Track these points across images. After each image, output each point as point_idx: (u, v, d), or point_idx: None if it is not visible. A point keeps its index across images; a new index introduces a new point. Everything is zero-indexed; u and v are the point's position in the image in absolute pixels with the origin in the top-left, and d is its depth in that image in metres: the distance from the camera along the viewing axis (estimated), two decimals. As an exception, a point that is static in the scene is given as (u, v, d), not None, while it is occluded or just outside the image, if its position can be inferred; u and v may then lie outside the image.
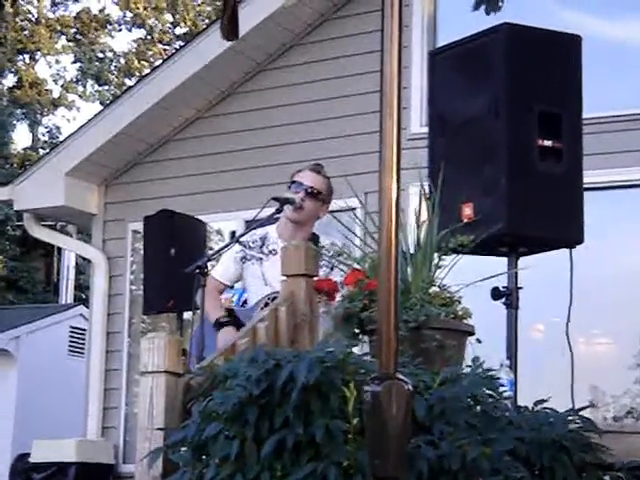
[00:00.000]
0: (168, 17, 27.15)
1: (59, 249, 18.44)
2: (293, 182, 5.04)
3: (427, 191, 4.49)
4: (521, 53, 4.70)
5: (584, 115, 4.77)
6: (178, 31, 27.24)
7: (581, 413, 3.83)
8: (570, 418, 3.72)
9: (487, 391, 3.67)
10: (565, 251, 4.73)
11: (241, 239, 5.08)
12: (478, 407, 3.59)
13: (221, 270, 5.15)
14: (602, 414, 7.59)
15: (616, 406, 7.82)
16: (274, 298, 4.60)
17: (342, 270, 4.43)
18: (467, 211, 4.56)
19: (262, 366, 3.33)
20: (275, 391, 3.28)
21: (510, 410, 3.80)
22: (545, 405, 3.80)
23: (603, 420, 7.19)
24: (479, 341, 4.10)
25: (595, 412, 7.33)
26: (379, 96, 2.26)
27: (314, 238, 4.99)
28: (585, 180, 4.75)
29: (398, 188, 2.17)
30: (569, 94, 4.75)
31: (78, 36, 26.68)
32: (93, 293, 9.44)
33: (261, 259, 5.02)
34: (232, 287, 5.24)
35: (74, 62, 27.13)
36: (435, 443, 3.27)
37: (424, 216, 4.24)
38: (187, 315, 7.62)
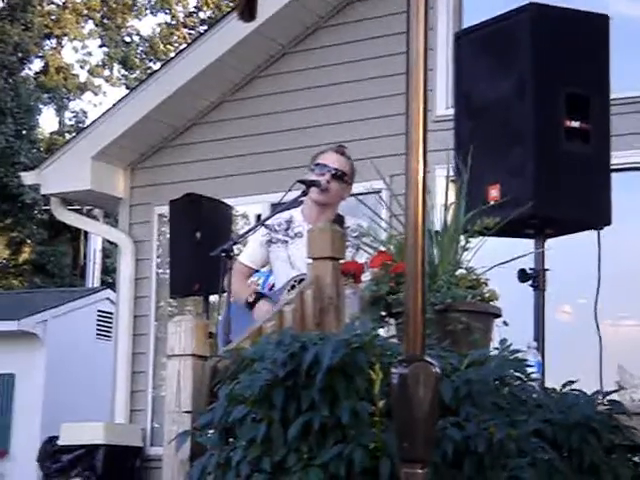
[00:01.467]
0: (192, 0, 27.15)
1: (86, 233, 18.54)
2: (317, 164, 5.02)
3: (454, 173, 4.47)
4: (548, 33, 4.67)
5: (612, 95, 4.73)
6: (202, 15, 27.25)
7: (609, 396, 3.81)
8: (598, 400, 3.70)
9: (514, 373, 3.66)
10: (592, 233, 4.70)
11: (266, 222, 5.08)
12: (505, 389, 3.58)
13: (248, 254, 5.15)
14: (630, 395, 7.56)
15: (644, 388, 7.79)
16: (301, 280, 4.59)
17: (367, 252, 4.41)
18: (494, 193, 4.54)
19: (288, 349, 3.33)
20: (301, 373, 3.28)
21: (538, 392, 3.78)
22: (573, 387, 3.79)
23: (631, 401, 7.15)
24: (506, 323, 4.08)
25: (622, 393, 7.29)
26: (404, 78, 2.24)
27: (339, 219, 4.98)
28: (613, 161, 4.72)
29: (424, 170, 2.16)
30: (596, 74, 4.71)
31: (105, 20, 26.73)
32: (120, 277, 9.48)
33: (287, 242, 5.01)
34: (258, 270, 5.24)
35: (100, 46, 27.21)
36: (461, 425, 3.26)
37: (450, 198, 4.22)
38: (213, 298, 7.65)
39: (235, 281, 4.84)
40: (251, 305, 4.91)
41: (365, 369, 3.27)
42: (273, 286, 5.20)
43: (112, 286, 12.75)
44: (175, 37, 27.08)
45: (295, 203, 5.05)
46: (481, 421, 3.29)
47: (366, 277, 4.32)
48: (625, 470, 3.54)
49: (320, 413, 3.23)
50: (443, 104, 7.97)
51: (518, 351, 3.72)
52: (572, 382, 3.79)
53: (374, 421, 3.24)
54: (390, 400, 3.14)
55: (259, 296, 4.93)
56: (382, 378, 3.22)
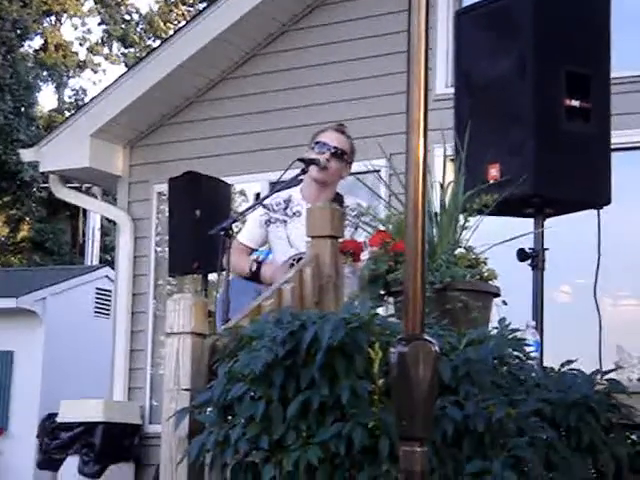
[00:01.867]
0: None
1: (84, 211, 18.53)
2: (317, 142, 5.01)
3: (453, 152, 4.47)
4: (548, 12, 4.65)
5: (612, 74, 4.72)
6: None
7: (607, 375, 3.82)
8: (597, 379, 3.71)
9: (513, 352, 3.66)
10: (592, 212, 4.70)
11: (265, 202, 5.07)
12: (504, 368, 3.58)
13: (246, 233, 5.15)
14: (627, 375, 7.58)
15: (642, 367, 7.81)
16: (299, 259, 4.59)
17: (366, 231, 4.41)
18: (493, 172, 4.53)
19: (287, 327, 3.33)
20: (300, 352, 3.28)
21: (536, 371, 3.79)
22: (572, 366, 3.79)
23: (628, 381, 7.17)
24: (505, 303, 4.08)
25: (620, 373, 7.31)
26: (404, 56, 2.23)
27: (338, 198, 4.97)
28: (613, 140, 4.71)
29: (425, 148, 2.15)
30: (597, 53, 4.70)
31: (103, -2, 26.65)
32: (119, 255, 9.48)
33: (285, 221, 5.01)
34: (257, 250, 5.24)
35: (100, 24, 27.12)
36: (460, 404, 3.27)
37: (450, 177, 4.22)
38: (212, 277, 7.65)
39: (234, 257, 4.84)
40: (255, 274, 4.92)
41: (364, 348, 3.27)
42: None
43: (111, 264, 12.76)
44: (174, 15, 26.99)
45: (294, 181, 5.04)
46: (480, 400, 3.30)
47: (365, 256, 4.32)
48: (623, 448, 3.55)
49: (319, 392, 3.23)
50: (443, 83, 7.95)
51: (517, 330, 3.72)
52: (570, 362, 3.80)
53: (373, 400, 3.25)
54: (389, 379, 3.15)
55: (259, 264, 4.94)
56: (381, 357, 3.23)
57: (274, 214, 5.04)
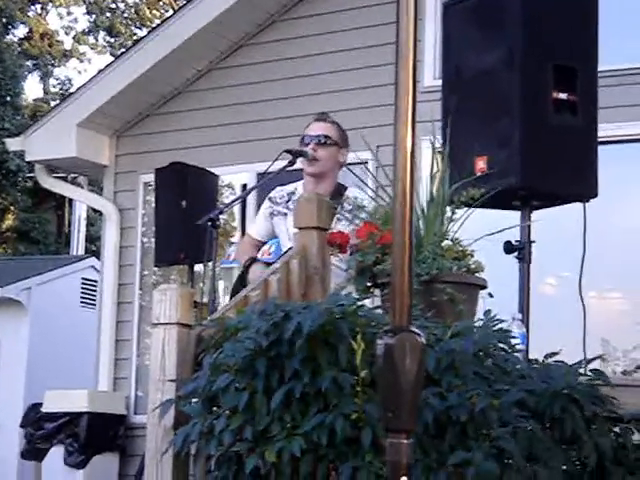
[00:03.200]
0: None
1: (70, 201, 18.46)
2: (302, 138, 5.01)
3: (440, 144, 4.46)
4: (536, 5, 4.65)
5: (599, 68, 4.72)
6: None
7: (591, 366, 3.83)
8: (581, 370, 3.72)
9: (499, 344, 3.67)
10: (579, 205, 4.71)
11: (270, 195, 5.08)
12: (489, 360, 3.59)
13: (255, 226, 5.19)
14: (612, 368, 7.61)
15: (626, 360, 7.84)
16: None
17: (357, 225, 4.41)
18: (481, 164, 4.54)
19: (271, 318, 3.34)
20: (283, 343, 3.28)
21: (521, 363, 3.80)
22: (556, 358, 3.80)
23: (613, 374, 7.20)
24: (491, 295, 4.09)
25: (605, 366, 7.34)
26: (392, 49, 2.23)
27: (340, 189, 4.94)
28: (600, 133, 4.72)
29: (413, 139, 2.15)
30: (585, 46, 4.70)
31: (89, -14, 26.55)
32: (104, 245, 9.46)
33: (286, 214, 5.00)
34: (265, 243, 5.22)
35: (85, 13, 27.03)
36: (443, 395, 3.28)
37: (437, 169, 4.22)
38: (198, 268, 7.64)
39: (240, 249, 4.88)
40: (246, 269, 4.93)
41: (347, 339, 3.28)
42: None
43: (96, 254, 12.72)
44: (161, 3, 26.91)
45: (282, 173, 5.03)
46: (463, 391, 3.30)
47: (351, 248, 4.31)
48: (606, 440, 3.56)
49: (302, 382, 3.24)
50: (431, 75, 7.94)
51: (502, 321, 3.73)
52: (554, 354, 3.81)
53: (356, 391, 3.25)
54: (373, 370, 3.15)
55: (252, 260, 4.93)
56: (364, 349, 3.23)
57: (277, 207, 5.05)
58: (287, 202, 5.02)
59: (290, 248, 4.67)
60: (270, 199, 5.08)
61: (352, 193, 4.85)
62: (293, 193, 5.02)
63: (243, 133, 8.74)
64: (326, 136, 4.94)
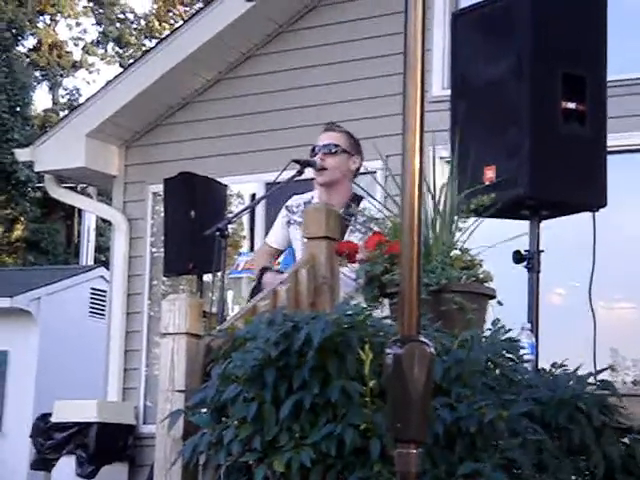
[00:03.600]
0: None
1: (79, 211, 18.51)
2: (312, 149, 5.02)
3: (449, 154, 4.46)
4: (545, 14, 4.65)
5: (609, 77, 4.72)
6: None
7: (600, 377, 3.82)
8: (589, 380, 3.71)
9: (507, 354, 3.66)
10: (588, 214, 4.70)
11: (287, 203, 5.08)
12: (497, 370, 3.58)
13: (271, 235, 5.18)
14: (621, 378, 7.58)
15: (636, 370, 7.81)
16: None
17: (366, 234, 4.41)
18: (489, 174, 4.53)
19: (280, 328, 3.33)
20: (292, 353, 3.28)
21: (529, 373, 3.79)
22: (565, 368, 3.79)
23: (622, 384, 7.18)
24: (500, 304, 4.08)
25: (614, 376, 7.32)
26: (401, 58, 2.23)
27: (356, 199, 4.93)
28: (609, 143, 4.71)
29: (422, 148, 2.15)
30: (594, 56, 4.70)
31: (99, -3, 26.63)
32: (114, 255, 9.47)
33: (301, 223, 5.00)
34: (283, 251, 5.23)
35: (95, 24, 27.10)
36: (452, 405, 3.27)
37: (445, 179, 4.22)
38: (207, 278, 7.64)
39: (256, 258, 4.87)
40: (259, 280, 4.92)
41: (356, 349, 3.27)
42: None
43: (106, 264, 12.74)
44: (171, 15, 26.97)
45: (291, 183, 5.04)
46: (472, 402, 3.30)
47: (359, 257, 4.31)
48: (614, 450, 3.55)
49: (311, 392, 3.23)
50: (439, 85, 7.95)
51: (510, 331, 3.73)
52: (562, 365, 3.80)
53: (365, 402, 3.25)
54: (381, 380, 3.15)
55: (264, 270, 4.92)
56: (372, 358, 3.22)
57: (293, 216, 5.05)
58: (303, 211, 5.02)
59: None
60: (287, 207, 5.08)
61: (366, 204, 4.83)
62: (309, 202, 5.02)
63: (252, 143, 8.75)
64: (335, 144, 4.94)
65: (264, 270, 4.90)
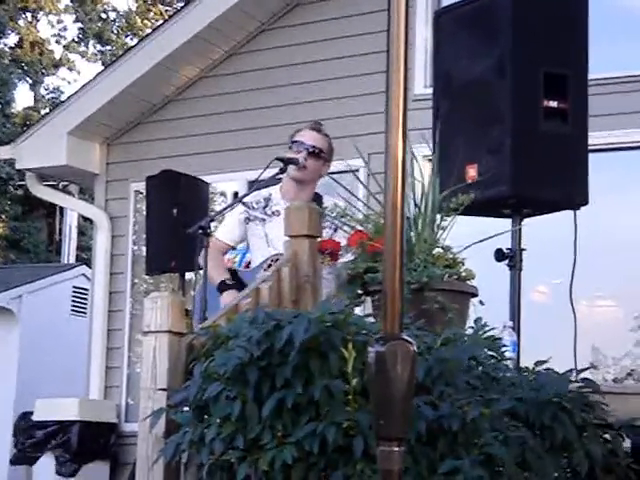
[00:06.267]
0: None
1: (61, 209, 18.44)
2: (294, 141, 5.01)
3: (431, 152, 4.47)
4: (527, 13, 4.67)
5: (590, 76, 4.74)
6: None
7: (582, 375, 3.83)
8: (571, 378, 3.73)
9: (489, 352, 3.67)
10: (569, 213, 4.72)
11: (244, 200, 5.06)
12: (479, 368, 3.59)
13: (225, 231, 5.14)
14: (603, 376, 7.61)
15: (616, 368, 7.85)
16: (278, 259, 4.59)
17: (345, 232, 4.41)
18: (471, 172, 4.54)
19: (262, 327, 3.33)
20: (275, 352, 3.28)
21: (511, 371, 3.80)
22: (547, 366, 3.81)
23: (603, 381, 7.21)
24: (482, 303, 4.09)
25: (596, 374, 7.34)
26: (383, 56, 2.23)
27: (317, 198, 4.97)
28: (590, 141, 4.73)
29: (404, 147, 2.16)
30: (575, 54, 4.72)
31: (80, -5, 26.51)
32: (95, 253, 9.44)
33: (264, 220, 5.00)
34: (235, 248, 5.23)
35: (76, 22, 27.00)
36: (435, 404, 3.28)
37: (427, 177, 4.22)
38: (189, 275, 7.63)
39: (210, 259, 4.79)
40: (221, 289, 4.89)
41: (339, 347, 3.28)
42: (249, 264, 5.19)
43: (87, 262, 12.70)
44: (152, 13, 26.91)
45: (273, 180, 5.04)
46: (455, 400, 3.30)
47: (347, 257, 4.31)
48: (597, 447, 3.56)
49: (294, 391, 3.23)
50: (421, 83, 7.95)
51: (492, 329, 3.74)
52: (544, 362, 3.81)
53: (348, 400, 3.25)
54: (364, 379, 3.15)
55: (225, 287, 4.89)
56: (355, 357, 3.23)
57: (253, 212, 5.04)
58: (264, 207, 5.02)
59: (278, 254, 4.66)
60: (244, 204, 5.06)
61: (328, 202, 4.85)
62: (269, 198, 5.03)
63: (234, 141, 8.74)
64: (320, 149, 4.96)
65: (223, 286, 4.87)
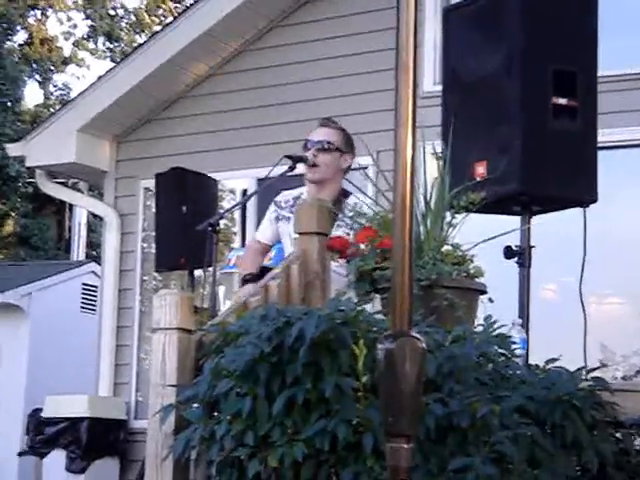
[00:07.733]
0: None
1: (70, 206, 18.46)
2: (305, 142, 5.01)
3: (440, 149, 4.47)
4: (536, 9, 4.66)
5: (599, 73, 4.73)
6: (190, -13, 27.05)
7: (592, 373, 3.83)
8: (581, 377, 3.72)
9: (499, 349, 3.67)
10: (579, 210, 4.71)
11: (275, 199, 5.08)
12: (489, 365, 3.59)
13: (260, 230, 5.18)
14: (612, 373, 7.60)
15: (626, 365, 7.83)
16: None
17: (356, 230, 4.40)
18: (480, 169, 4.54)
19: (273, 324, 3.34)
20: (285, 349, 3.29)
21: (521, 368, 3.80)
22: (557, 364, 3.80)
23: (613, 379, 7.20)
24: (491, 300, 4.09)
25: (605, 371, 7.33)
26: (391, 54, 2.24)
27: (345, 194, 4.92)
28: (600, 139, 4.72)
29: (413, 144, 2.16)
30: (584, 51, 4.71)
31: (90, -8, 26.55)
32: (105, 250, 9.46)
33: (289, 219, 5.00)
34: (272, 246, 5.22)
35: (85, 19, 27.02)
36: (444, 401, 3.28)
37: (436, 174, 4.22)
38: (198, 273, 7.64)
39: (244, 256, 4.85)
40: (242, 283, 4.92)
41: (349, 344, 3.28)
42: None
43: (97, 259, 12.73)
44: (161, 10, 26.92)
45: (282, 178, 5.04)
46: (464, 397, 3.31)
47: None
48: (608, 446, 3.56)
49: (304, 388, 3.24)
50: (430, 80, 7.94)
51: (502, 326, 3.74)
52: (555, 360, 3.81)
53: (358, 396, 3.26)
54: (374, 375, 3.15)
55: (244, 282, 4.91)
56: (366, 354, 3.23)
57: (282, 211, 5.05)
58: (292, 207, 5.01)
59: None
60: (275, 203, 5.07)
61: (352, 200, 4.83)
62: (299, 197, 5.02)
63: (244, 138, 8.75)
64: (329, 142, 4.93)
65: (243, 281, 4.91)
